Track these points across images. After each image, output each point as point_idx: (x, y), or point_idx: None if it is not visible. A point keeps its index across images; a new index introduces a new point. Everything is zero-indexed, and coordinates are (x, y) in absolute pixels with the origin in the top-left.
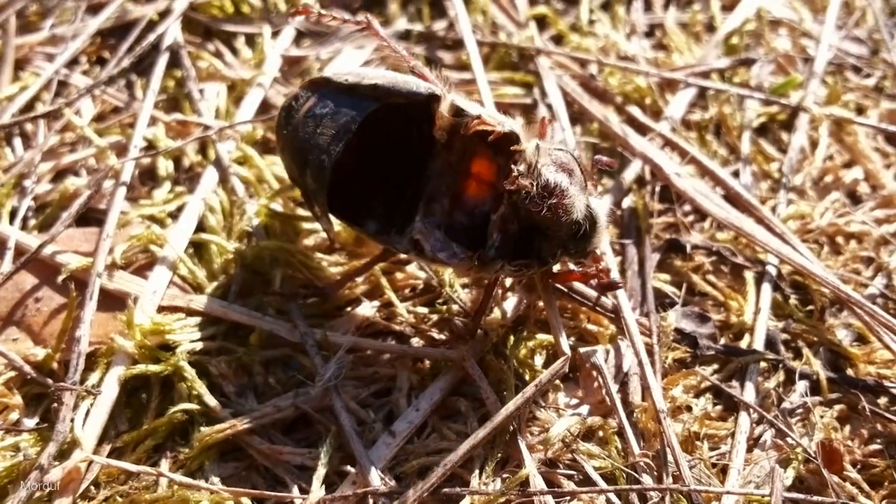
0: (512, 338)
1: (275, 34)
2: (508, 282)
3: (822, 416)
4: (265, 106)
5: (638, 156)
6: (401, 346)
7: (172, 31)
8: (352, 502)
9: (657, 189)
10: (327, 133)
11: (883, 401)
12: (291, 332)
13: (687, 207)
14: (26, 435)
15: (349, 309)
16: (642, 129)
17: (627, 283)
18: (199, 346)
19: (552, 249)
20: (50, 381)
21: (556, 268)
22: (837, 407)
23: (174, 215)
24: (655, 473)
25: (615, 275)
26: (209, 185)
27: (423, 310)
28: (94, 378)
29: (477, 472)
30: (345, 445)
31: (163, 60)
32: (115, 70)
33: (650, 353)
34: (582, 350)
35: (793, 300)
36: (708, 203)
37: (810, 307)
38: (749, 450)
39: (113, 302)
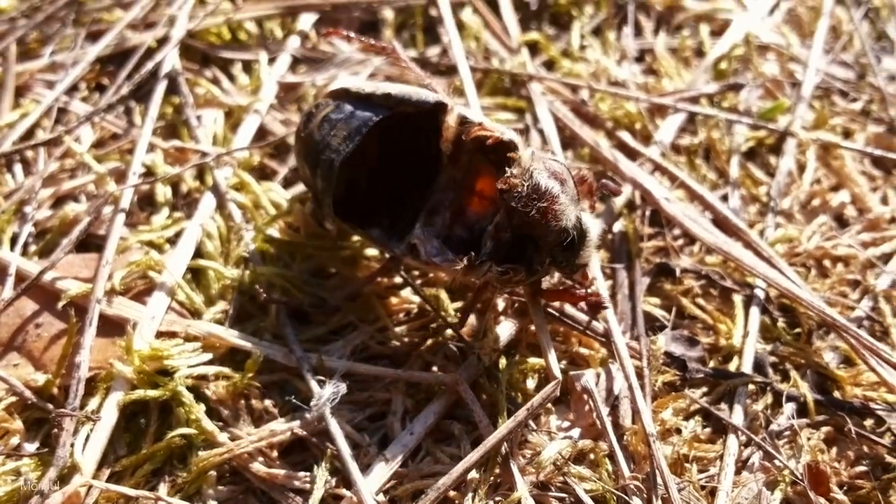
0: (504, 361)
1: (271, 61)
2: (501, 306)
3: (809, 439)
4: (262, 132)
5: (628, 181)
6: (395, 370)
7: (170, 59)
8: None
9: (647, 213)
10: (340, 135)
11: (869, 423)
12: (288, 357)
13: (676, 231)
14: (27, 460)
15: (344, 334)
16: (632, 154)
17: (618, 306)
18: (196, 371)
19: (541, 258)
20: (50, 406)
21: (546, 285)
22: (824, 429)
23: (172, 241)
24: (645, 496)
25: (605, 298)
26: (207, 211)
27: (417, 334)
28: (93, 403)
29: (470, 495)
30: (340, 469)
31: (161, 87)
32: (115, 98)
33: (640, 376)
34: (573, 373)
35: (781, 323)
36: (697, 228)
37: (798, 330)
38: (737, 472)
39: (112, 327)
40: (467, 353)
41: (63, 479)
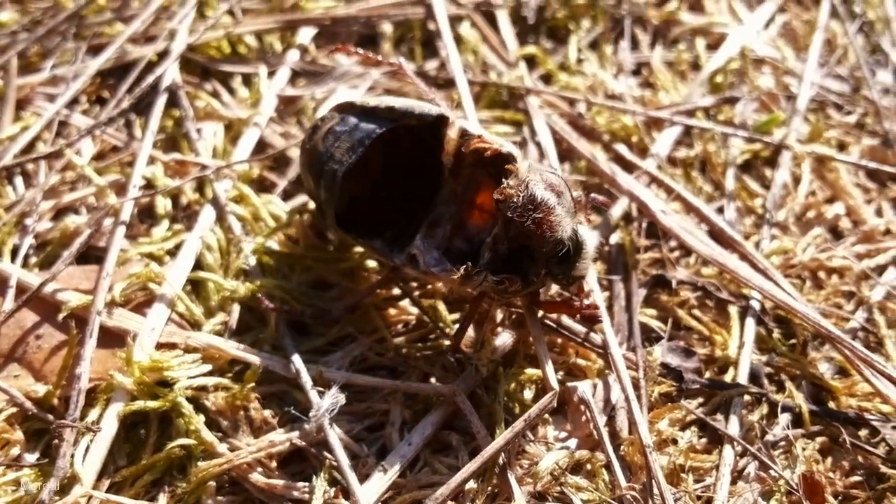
0: (502, 372)
1: (271, 74)
2: (499, 317)
3: (804, 449)
4: (261, 145)
5: (625, 193)
6: (393, 381)
7: (171, 72)
8: None
9: (644, 225)
10: (343, 147)
11: (863, 433)
12: (287, 368)
13: (673, 243)
14: (27, 470)
15: (343, 345)
16: (629, 167)
17: (615, 317)
18: (196, 382)
19: (537, 269)
20: (51, 417)
21: (543, 297)
22: (819, 439)
23: (172, 253)
24: None
25: (602, 310)
26: (206, 223)
27: (415, 345)
28: (93, 414)
29: None
30: (339, 479)
31: (161, 100)
32: (115, 111)
33: (637, 387)
34: (570, 384)
35: (776, 334)
36: (693, 240)
37: (793, 341)
38: (733, 482)
39: (112, 339)
40: (465, 365)
41: (63, 490)
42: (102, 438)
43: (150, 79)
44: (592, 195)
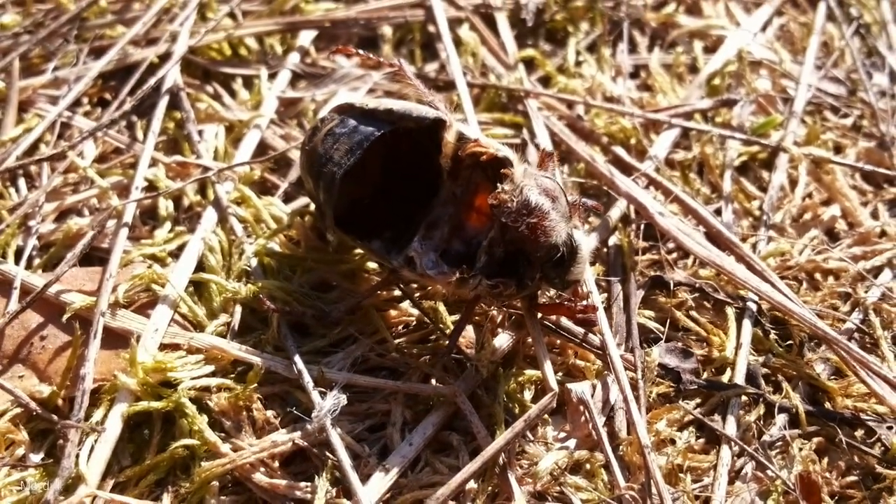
0: (502, 373)
1: (271, 76)
2: (499, 318)
3: (800, 449)
4: (262, 147)
5: (623, 195)
6: (394, 382)
7: (172, 74)
8: None
9: (642, 227)
10: (342, 149)
11: (859, 433)
12: (288, 369)
13: (671, 245)
14: (32, 470)
15: (344, 346)
16: (627, 169)
17: (613, 319)
18: (199, 382)
19: (532, 273)
20: (55, 417)
21: (542, 298)
22: (816, 439)
23: (175, 254)
24: None
25: (600, 312)
26: (208, 225)
27: (416, 346)
28: (97, 414)
29: None
30: (341, 479)
31: (163, 102)
32: (117, 113)
33: (635, 387)
34: (569, 385)
35: (773, 335)
36: (690, 242)
37: (790, 342)
38: (731, 482)
39: (116, 340)
40: (465, 365)
41: (68, 490)
42: (106, 439)
43: (151, 81)
44: (583, 200)
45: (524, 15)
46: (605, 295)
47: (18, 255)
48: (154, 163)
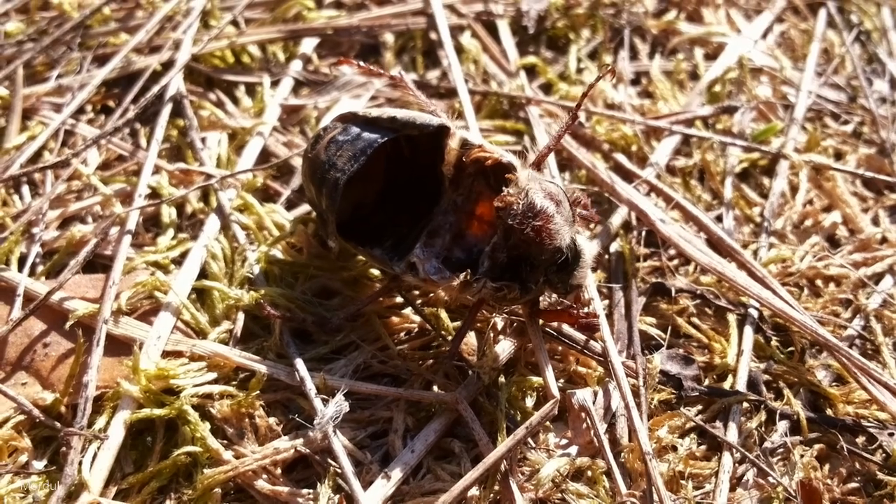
0: (503, 380)
1: (274, 84)
2: (500, 326)
3: (802, 456)
4: (265, 154)
5: (624, 202)
6: (396, 389)
7: (175, 82)
8: None
9: (643, 234)
10: (345, 156)
11: (861, 440)
12: (291, 376)
13: (672, 252)
14: (35, 477)
15: (346, 353)
16: (628, 176)
17: (614, 325)
18: (202, 389)
19: (535, 277)
20: (58, 424)
21: (544, 305)
22: (817, 446)
23: (178, 262)
24: None
25: (602, 318)
26: (211, 232)
27: (418, 353)
28: (100, 422)
29: None
30: (343, 486)
31: (166, 110)
32: (121, 120)
33: (636, 394)
34: (571, 392)
35: (774, 342)
36: (691, 249)
37: (791, 349)
38: (732, 489)
39: (119, 347)
40: (467, 372)
41: (71, 497)
42: (109, 446)
43: (155, 89)
44: (578, 210)
45: (525, 22)
46: (607, 301)
47: (22, 262)
48: (157, 170)
